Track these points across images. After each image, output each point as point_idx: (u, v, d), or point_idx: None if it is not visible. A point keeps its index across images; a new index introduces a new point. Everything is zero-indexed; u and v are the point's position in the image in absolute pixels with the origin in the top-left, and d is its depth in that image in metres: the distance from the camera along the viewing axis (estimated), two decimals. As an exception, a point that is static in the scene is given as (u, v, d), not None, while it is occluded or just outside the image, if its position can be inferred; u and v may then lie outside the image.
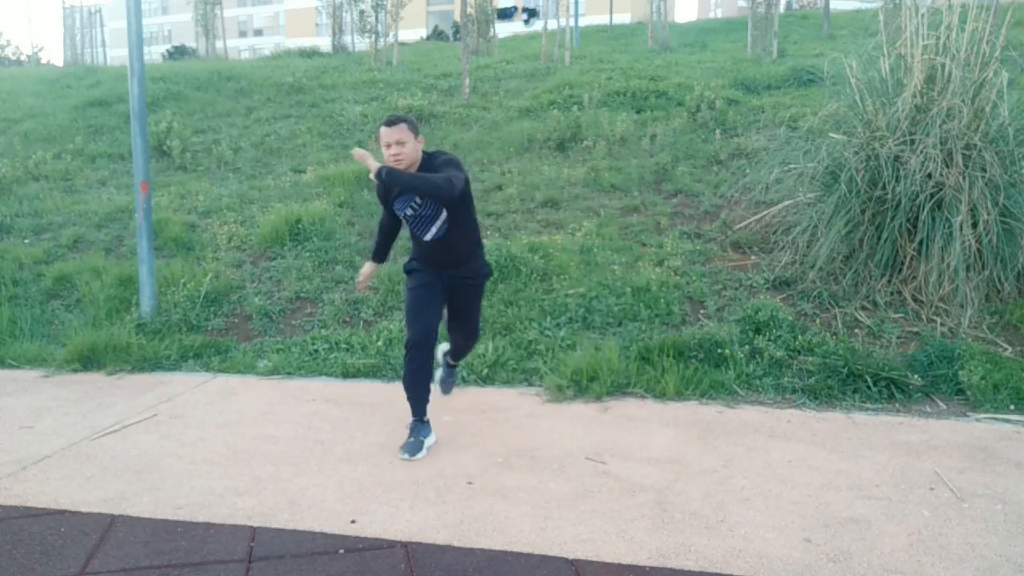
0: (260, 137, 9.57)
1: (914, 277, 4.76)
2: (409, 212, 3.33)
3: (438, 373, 3.77)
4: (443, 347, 3.78)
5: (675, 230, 6.02)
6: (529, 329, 4.75)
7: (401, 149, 3.16)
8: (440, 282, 3.40)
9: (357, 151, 3.26)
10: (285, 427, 3.67)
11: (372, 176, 3.14)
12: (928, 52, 4.89)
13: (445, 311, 3.51)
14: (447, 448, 3.40)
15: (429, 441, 3.39)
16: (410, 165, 3.21)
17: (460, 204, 3.26)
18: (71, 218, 7.23)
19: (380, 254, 3.72)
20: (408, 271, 3.51)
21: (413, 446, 3.31)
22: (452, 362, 3.84)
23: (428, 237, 3.32)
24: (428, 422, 3.43)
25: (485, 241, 5.77)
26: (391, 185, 3.24)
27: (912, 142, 4.80)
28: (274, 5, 55.92)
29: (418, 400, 3.40)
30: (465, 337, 3.65)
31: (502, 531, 2.67)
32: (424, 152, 3.29)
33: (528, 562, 2.48)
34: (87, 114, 11.09)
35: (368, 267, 3.73)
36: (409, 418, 3.42)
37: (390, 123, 3.22)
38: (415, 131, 3.24)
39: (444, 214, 3.28)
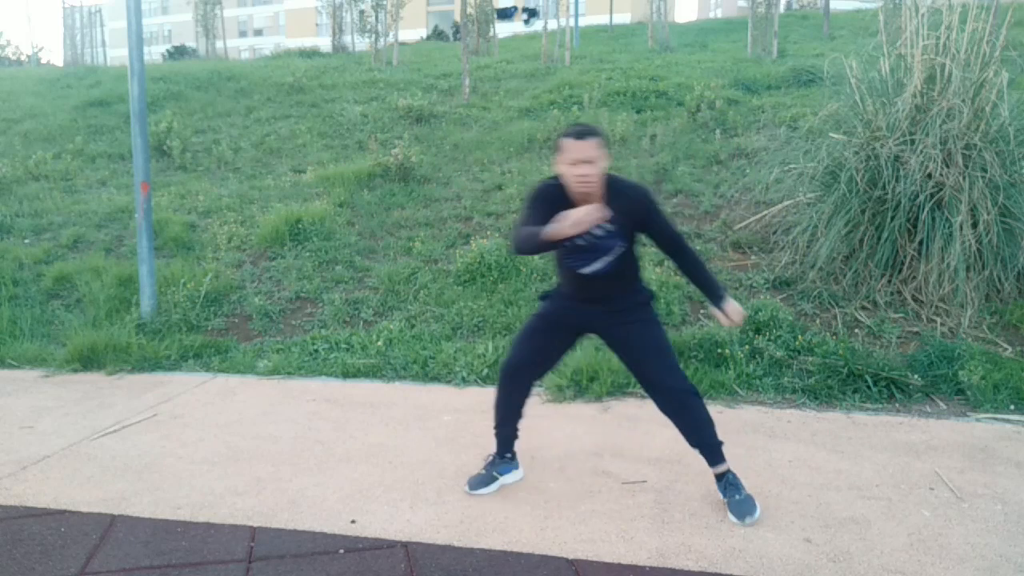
0: (260, 137, 9.57)
1: (914, 277, 4.76)
2: (581, 243, 2.67)
3: (723, 496, 2.82)
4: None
5: (675, 230, 6.01)
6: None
7: (592, 170, 2.57)
8: (572, 320, 2.85)
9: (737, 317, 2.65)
10: (285, 427, 3.67)
11: (730, 323, 2.67)
12: (928, 52, 4.89)
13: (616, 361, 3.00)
14: (447, 448, 3.40)
15: (508, 479, 3.00)
16: (595, 192, 2.62)
17: (637, 233, 2.74)
18: (71, 218, 7.23)
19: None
20: (543, 297, 2.97)
21: (481, 479, 2.96)
22: (710, 467, 2.83)
23: (588, 270, 2.72)
24: (511, 458, 3.02)
25: (484, 241, 5.81)
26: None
27: (912, 142, 4.80)
28: (274, 5, 55.91)
29: (504, 436, 3.00)
30: (668, 394, 2.76)
31: (502, 531, 2.67)
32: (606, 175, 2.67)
33: (528, 562, 2.48)
34: (87, 114, 11.08)
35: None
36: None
37: (580, 135, 2.59)
38: (606, 148, 2.66)
39: (621, 246, 2.70)
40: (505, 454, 3.03)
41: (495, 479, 2.97)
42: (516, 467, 3.06)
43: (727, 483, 2.79)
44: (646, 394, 2.88)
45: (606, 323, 2.81)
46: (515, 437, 3.04)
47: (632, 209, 2.66)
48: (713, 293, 2.80)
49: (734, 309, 2.76)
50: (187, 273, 5.66)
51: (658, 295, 4.93)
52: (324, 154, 8.74)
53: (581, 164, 2.57)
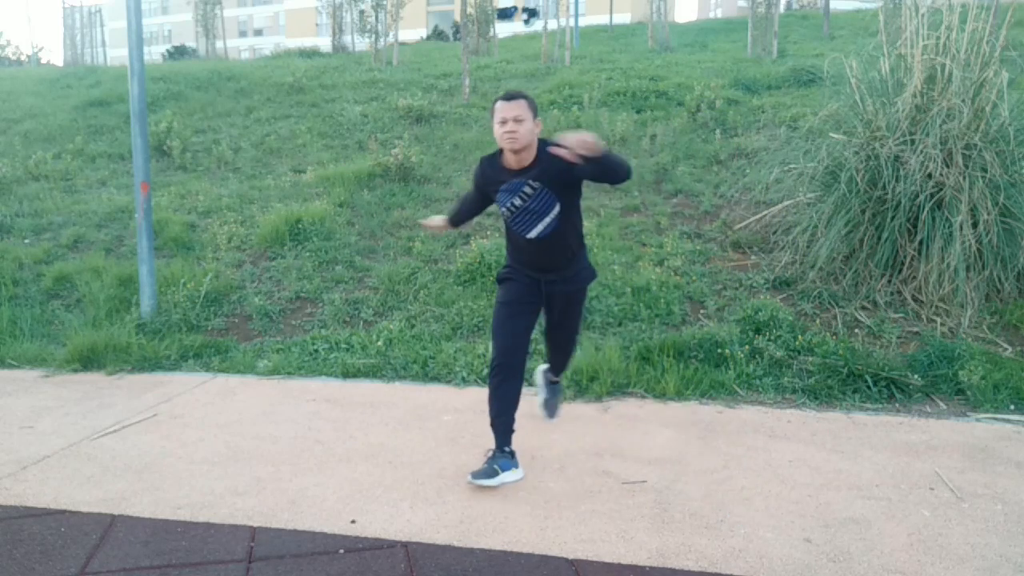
0: (260, 137, 9.57)
1: (914, 277, 4.76)
2: (517, 203, 2.94)
3: (541, 395, 3.58)
4: (541, 368, 3.58)
5: (675, 230, 6.02)
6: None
7: (518, 127, 2.82)
8: (536, 293, 3.06)
9: (580, 140, 2.62)
10: (285, 427, 3.67)
11: (590, 151, 2.60)
12: (928, 52, 4.89)
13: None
14: (447, 448, 3.40)
15: (509, 477, 2.99)
16: (524, 148, 2.87)
17: (576, 193, 2.98)
18: (71, 218, 7.23)
19: (455, 221, 3.35)
20: (500, 280, 3.17)
21: (484, 472, 2.97)
22: (553, 377, 3.54)
23: (533, 234, 2.96)
24: (510, 453, 3.04)
25: (484, 241, 5.81)
26: (606, 164, 2.72)
27: (912, 142, 4.80)
28: (274, 5, 55.92)
29: (502, 427, 3.04)
30: (565, 349, 3.35)
31: (502, 531, 2.67)
32: (540, 139, 2.93)
33: (528, 562, 2.47)
34: (87, 114, 11.09)
35: (440, 219, 3.37)
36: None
37: (509, 97, 2.89)
38: (534, 112, 2.90)
39: (557, 207, 2.92)
40: (504, 447, 3.04)
41: (496, 473, 2.97)
42: (516, 465, 3.04)
43: (555, 389, 3.57)
44: (553, 344, 3.37)
45: (555, 292, 3.08)
46: (512, 430, 3.06)
47: (558, 166, 2.77)
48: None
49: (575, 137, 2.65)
50: (187, 273, 5.66)
51: (657, 295, 4.94)
52: (324, 154, 8.74)
53: (510, 122, 2.82)
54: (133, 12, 5.16)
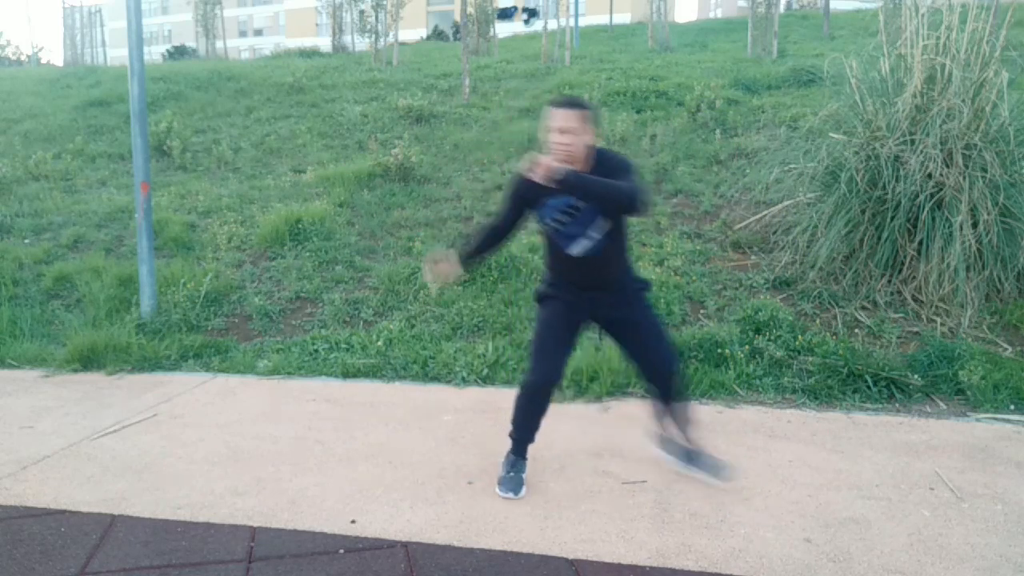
0: (260, 137, 9.57)
1: (914, 277, 4.76)
2: (562, 219, 2.71)
3: (679, 461, 3.06)
4: (654, 442, 3.13)
5: (675, 230, 6.02)
6: (529, 329, 4.74)
7: (573, 140, 2.59)
8: (579, 311, 2.86)
9: (539, 163, 2.51)
10: (285, 427, 3.67)
11: (546, 178, 2.48)
12: (928, 52, 4.89)
13: (613, 346, 3.04)
14: (447, 448, 3.40)
15: (525, 474, 3.01)
16: (576, 162, 2.63)
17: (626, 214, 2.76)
18: (71, 218, 7.23)
19: (472, 258, 2.98)
20: (540, 298, 2.94)
21: (511, 482, 2.93)
22: (664, 407, 2.98)
23: (577, 251, 2.74)
24: (525, 461, 3.03)
25: (485, 241, 5.80)
26: (577, 192, 2.57)
27: (912, 142, 4.80)
28: (274, 5, 55.92)
29: (523, 439, 2.99)
30: (661, 361, 2.87)
31: (502, 531, 2.67)
32: (596, 148, 2.70)
33: (528, 562, 2.47)
34: (87, 114, 11.09)
35: (447, 266, 2.95)
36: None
37: (567, 104, 2.62)
38: (592, 122, 2.65)
39: (605, 226, 2.71)
40: (524, 456, 3.02)
41: (522, 481, 2.94)
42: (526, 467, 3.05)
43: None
44: (644, 362, 2.90)
45: (605, 309, 2.85)
46: (532, 441, 3.03)
47: (612, 177, 2.61)
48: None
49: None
50: (187, 273, 5.66)
51: (657, 295, 4.94)
52: (324, 154, 8.74)
53: (560, 133, 2.59)
54: (133, 12, 5.16)
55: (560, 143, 2.61)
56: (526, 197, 2.79)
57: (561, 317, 2.85)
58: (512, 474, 2.97)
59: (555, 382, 2.84)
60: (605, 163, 2.67)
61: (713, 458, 2.98)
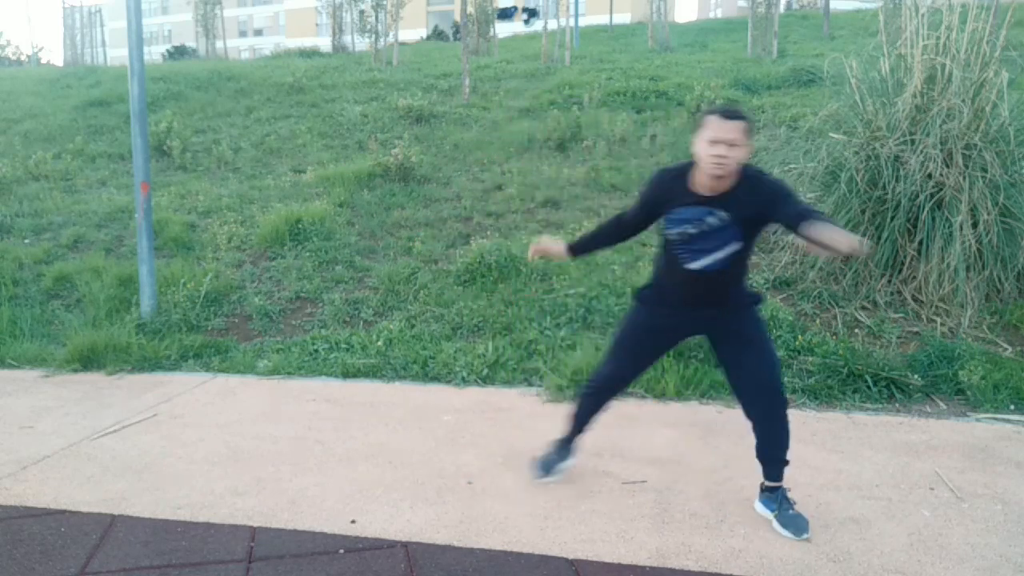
0: (260, 137, 9.57)
1: (914, 277, 4.76)
2: (691, 231, 2.54)
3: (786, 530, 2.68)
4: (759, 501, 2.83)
5: (675, 230, 6.01)
6: (529, 329, 4.75)
7: (730, 153, 2.42)
8: (677, 331, 2.78)
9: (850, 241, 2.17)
10: (285, 427, 3.67)
11: (853, 250, 2.16)
12: (928, 52, 4.89)
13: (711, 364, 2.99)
14: (447, 448, 3.40)
15: (566, 464, 3.03)
16: (728, 177, 2.48)
17: (759, 233, 2.61)
18: (71, 218, 7.23)
19: (584, 248, 2.94)
20: (641, 300, 2.81)
21: (543, 463, 3.01)
22: (769, 483, 2.76)
23: (696, 267, 2.56)
24: (569, 451, 3.04)
25: (484, 241, 5.81)
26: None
27: (912, 142, 4.80)
28: (274, 5, 55.91)
29: (577, 430, 3.01)
30: (762, 396, 2.65)
31: (502, 531, 2.67)
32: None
33: (528, 562, 2.47)
34: (87, 114, 11.09)
35: (557, 246, 2.92)
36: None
37: (727, 116, 2.46)
38: (750, 135, 2.49)
39: (736, 245, 2.53)
40: (569, 446, 3.04)
41: (553, 467, 3.01)
42: (573, 455, 3.08)
43: (778, 497, 2.72)
44: (744, 394, 2.69)
45: (715, 325, 2.69)
46: (583, 433, 3.05)
47: (757, 202, 2.47)
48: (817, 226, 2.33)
49: (839, 234, 2.24)
50: (187, 273, 5.66)
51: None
52: (324, 154, 8.74)
53: (719, 145, 2.43)
54: (133, 12, 5.15)
55: (720, 156, 2.43)
56: (661, 200, 2.62)
57: (652, 333, 2.78)
58: (548, 457, 3.02)
59: (618, 389, 2.93)
60: (753, 183, 2.50)
61: (799, 516, 2.68)
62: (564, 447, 3.05)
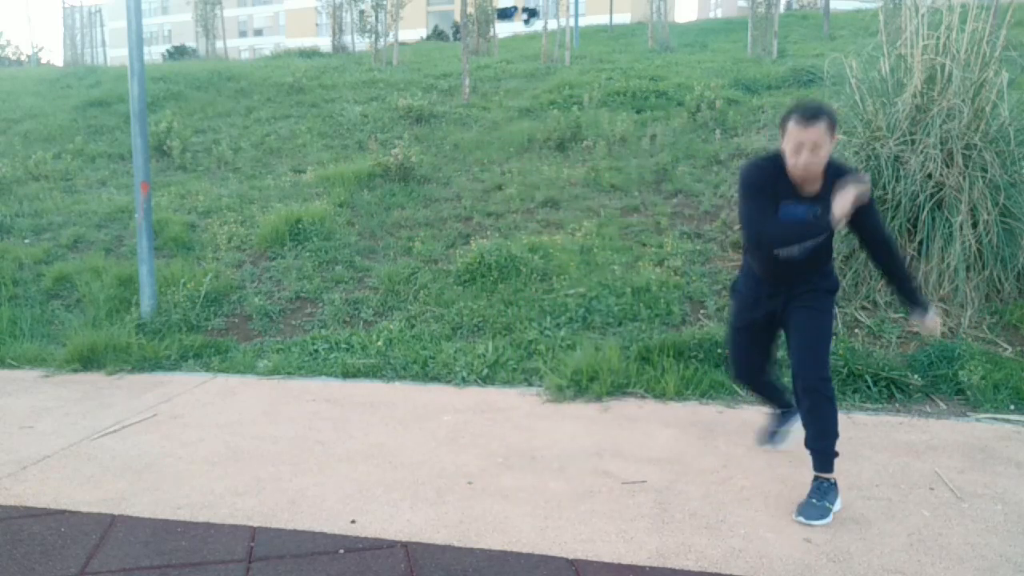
0: (260, 137, 9.57)
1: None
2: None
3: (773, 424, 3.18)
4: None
5: (675, 230, 6.01)
6: (529, 329, 4.75)
7: (815, 157, 2.41)
8: (773, 311, 2.85)
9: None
10: (285, 427, 3.67)
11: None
12: (928, 52, 4.89)
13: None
14: (447, 448, 3.40)
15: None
16: (818, 178, 2.52)
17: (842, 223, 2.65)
18: (71, 218, 7.23)
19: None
20: (734, 291, 3.03)
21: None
22: (817, 468, 2.81)
23: (786, 253, 2.66)
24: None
25: (484, 241, 5.81)
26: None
27: (912, 142, 4.80)
28: (274, 5, 55.92)
29: (772, 403, 3.05)
30: (795, 381, 2.77)
31: (502, 531, 2.67)
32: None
33: (528, 562, 2.47)
34: (87, 114, 11.08)
35: (932, 321, 2.85)
36: None
37: (808, 116, 2.41)
38: (834, 130, 2.46)
39: (825, 234, 2.63)
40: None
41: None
42: (795, 414, 2.99)
43: (822, 487, 2.73)
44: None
45: (787, 303, 2.79)
46: (782, 393, 3.11)
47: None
48: (914, 301, 2.84)
49: (932, 321, 2.82)
50: (187, 273, 5.66)
51: (657, 295, 4.94)
52: (324, 154, 8.74)
53: (803, 150, 2.41)
54: (133, 12, 5.16)
55: (806, 162, 2.44)
56: (773, 192, 2.63)
57: (745, 315, 2.96)
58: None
59: (754, 370, 3.07)
60: (839, 181, 2.51)
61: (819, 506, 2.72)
62: (773, 419, 3.21)
